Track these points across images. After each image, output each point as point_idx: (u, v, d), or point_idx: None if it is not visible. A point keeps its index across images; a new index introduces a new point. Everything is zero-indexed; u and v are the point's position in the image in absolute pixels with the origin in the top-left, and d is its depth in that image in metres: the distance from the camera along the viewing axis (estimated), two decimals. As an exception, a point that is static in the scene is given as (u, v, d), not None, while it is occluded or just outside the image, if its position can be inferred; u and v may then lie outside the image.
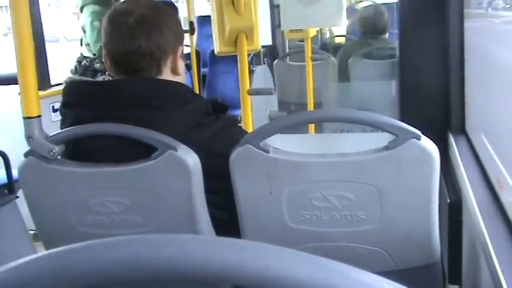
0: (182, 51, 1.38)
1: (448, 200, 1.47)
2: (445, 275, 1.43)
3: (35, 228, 1.30)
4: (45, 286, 0.35)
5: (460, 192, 1.41)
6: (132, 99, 1.24)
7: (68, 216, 1.21)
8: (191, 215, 1.18)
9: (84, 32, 3.22)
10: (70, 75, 3.14)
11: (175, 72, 1.35)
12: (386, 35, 3.55)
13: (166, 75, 1.33)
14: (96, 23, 3.05)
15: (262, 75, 4.23)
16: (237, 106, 2.35)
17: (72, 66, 3.28)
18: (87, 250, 0.36)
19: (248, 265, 0.34)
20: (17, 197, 2.27)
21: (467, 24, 1.70)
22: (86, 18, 3.18)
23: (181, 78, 1.38)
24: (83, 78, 2.97)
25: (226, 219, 1.27)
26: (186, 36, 3.61)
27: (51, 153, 1.18)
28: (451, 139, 1.69)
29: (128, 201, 1.18)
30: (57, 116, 1.36)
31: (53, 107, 2.94)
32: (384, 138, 1.11)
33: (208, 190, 1.21)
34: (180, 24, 1.39)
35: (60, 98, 1.34)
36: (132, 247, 0.35)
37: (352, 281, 0.33)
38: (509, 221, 1.07)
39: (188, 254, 0.35)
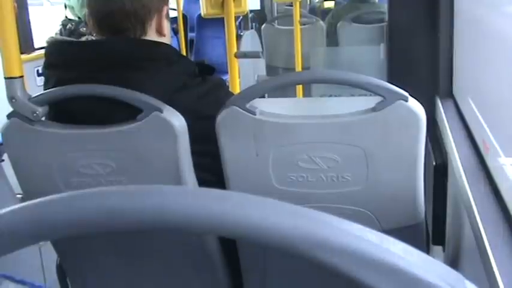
0: (167, 11, 1.35)
1: (434, 163, 1.48)
2: (429, 236, 1.45)
3: (22, 193, 1.29)
4: (24, 236, 0.35)
5: (446, 155, 1.42)
6: (115, 60, 1.22)
7: (53, 178, 1.20)
8: (177, 177, 1.17)
9: None
10: (53, 36, 3.08)
11: (161, 33, 1.33)
12: (376, -1, 3.52)
13: (151, 35, 1.31)
14: None
15: (250, 40, 4.19)
16: (225, 71, 2.33)
17: (57, 30, 3.21)
18: (67, 200, 0.35)
19: (231, 215, 0.34)
20: (3, 160, 2.25)
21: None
22: None
23: (167, 39, 1.36)
24: (66, 38, 2.91)
25: (213, 182, 1.27)
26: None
27: (35, 114, 1.16)
28: (439, 103, 1.70)
29: (114, 163, 1.17)
30: (42, 80, 1.34)
31: (37, 70, 2.89)
32: (372, 102, 1.10)
33: (195, 152, 1.20)
34: None
35: (44, 61, 1.31)
36: (113, 197, 0.35)
37: (335, 229, 0.33)
38: (494, 183, 1.08)
39: (170, 203, 0.34)
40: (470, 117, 1.38)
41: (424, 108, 1.10)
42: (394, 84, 1.10)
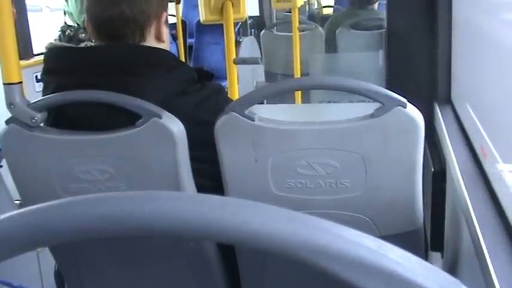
0: (166, 17, 1.36)
1: (433, 169, 1.48)
2: (427, 242, 1.45)
3: (20, 199, 1.29)
4: (22, 242, 0.35)
5: (445, 161, 1.43)
6: (114, 66, 1.22)
7: (52, 184, 1.20)
8: (176, 183, 1.17)
9: (66, 0, 3.15)
10: (52, 42, 3.09)
11: (160, 39, 1.33)
12: (375, 6, 3.53)
13: (150, 42, 1.31)
14: None
15: (249, 46, 4.20)
16: (224, 77, 2.33)
17: (56, 36, 3.22)
18: (65, 206, 0.35)
19: (230, 221, 0.34)
20: (1, 166, 2.24)
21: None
22: None
23: (166, 45, 1.36)
24: (65, 44, 2.92)
25: (212, 188, 1.27)
26: (172, 5, 3.55)
27: (33, 120, 1.16)
28: (437, 109, 1.70)
29: (113, 169, 1.17)
30: (41, 86, 1.34)
31: (36, 76, 2.89)
32: (371, 109, 1.11)
33: (194, 158, 1.20)
34: None
35: (43, 67, 1.31)
36: (110, 203, 0.35)
37: (334, 236, 0.33)
38: (492, 189, 1.08)
39: (169, 210, 0.34)
40: (469, 123, 1.38)
41: (423, 114, 1.10)
42: (392, 91, 1.10)
